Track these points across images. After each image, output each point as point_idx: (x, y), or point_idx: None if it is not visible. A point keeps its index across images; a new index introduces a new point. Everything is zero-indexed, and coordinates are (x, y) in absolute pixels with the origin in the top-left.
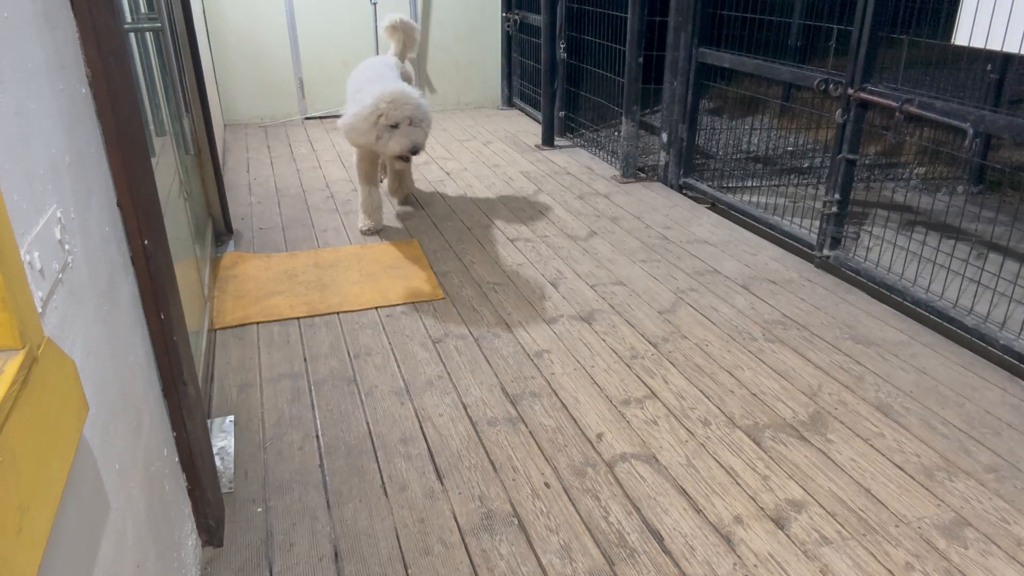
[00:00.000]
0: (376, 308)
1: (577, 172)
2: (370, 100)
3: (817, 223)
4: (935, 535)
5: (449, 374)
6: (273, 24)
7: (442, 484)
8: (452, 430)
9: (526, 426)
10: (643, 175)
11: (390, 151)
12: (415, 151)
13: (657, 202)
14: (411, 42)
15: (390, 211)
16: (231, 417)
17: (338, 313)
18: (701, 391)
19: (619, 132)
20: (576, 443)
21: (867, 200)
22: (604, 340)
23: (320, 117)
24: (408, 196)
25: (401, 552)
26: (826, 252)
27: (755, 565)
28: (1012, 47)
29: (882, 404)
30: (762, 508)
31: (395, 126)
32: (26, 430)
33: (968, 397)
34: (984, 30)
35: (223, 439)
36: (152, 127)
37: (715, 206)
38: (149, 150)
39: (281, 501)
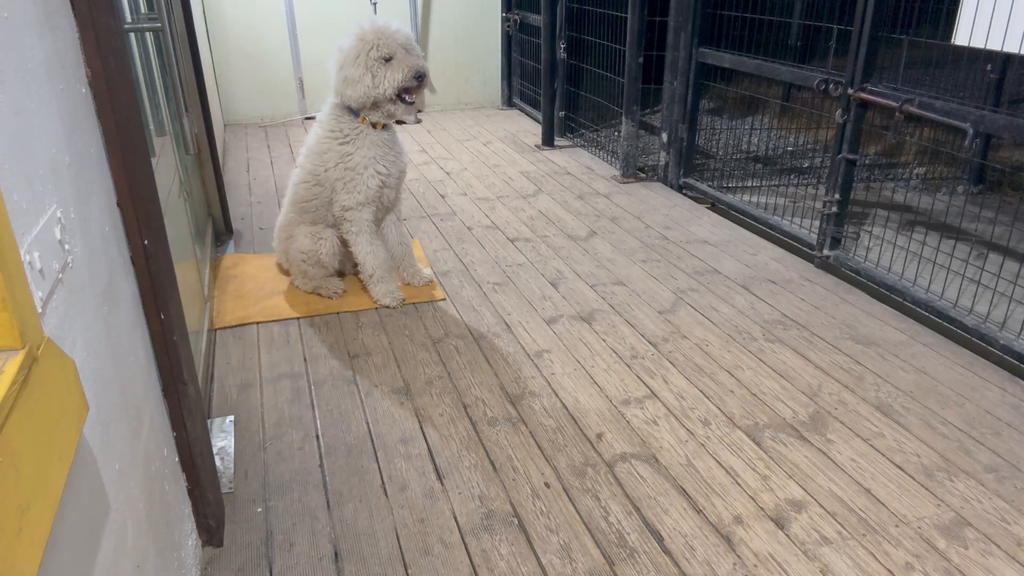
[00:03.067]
0: (376, 308)
1: (577, 172)
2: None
3: (817, 223)
4: (935, 535)
5: (449, 374)
6: (273, 24)
7: (442, 484)
8: (452, 430)
9: (526, 426)
10: (643, 175)
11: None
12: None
13: (657, 202)
14: None
15: None
16: (231, 417)
17: (338, 313)
18: (701, 391)
19: (619, 132)
20: (576, 443)
21: (867, 200)
22: (604, 340)
23: None
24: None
25: (401, 552)
26: (826, 252)
27: (755, 565)
28: (1012, 47)
29: (882, 404)
30: (762, 508)
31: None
32: (26, 430)
33: (968, 397)
34: (984, 30)
35: (223, 439)
36: (152, 127)
37: (715, 206)
38: (149, 150)
39: (281, 501)
